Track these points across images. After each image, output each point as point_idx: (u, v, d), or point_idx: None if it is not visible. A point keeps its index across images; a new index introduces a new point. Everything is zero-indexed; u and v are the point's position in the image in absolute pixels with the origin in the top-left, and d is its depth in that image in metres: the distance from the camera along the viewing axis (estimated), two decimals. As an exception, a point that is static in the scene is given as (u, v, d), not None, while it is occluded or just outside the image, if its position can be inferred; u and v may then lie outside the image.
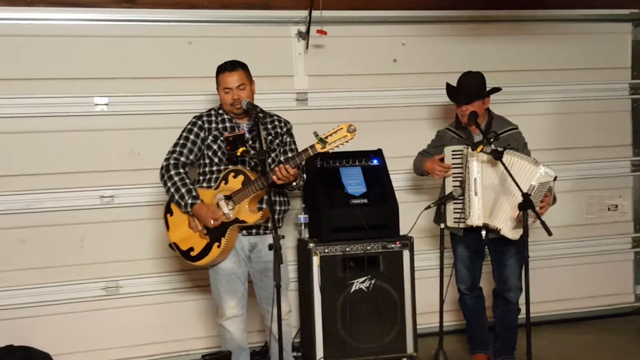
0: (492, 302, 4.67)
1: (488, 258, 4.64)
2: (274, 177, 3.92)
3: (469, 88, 4.48)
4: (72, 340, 4.74)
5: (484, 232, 4.40)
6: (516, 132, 4.55)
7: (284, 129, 4.28)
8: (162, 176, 4.12)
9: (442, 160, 4.48)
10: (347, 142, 3.89)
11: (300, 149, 4.08)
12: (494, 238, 4.42)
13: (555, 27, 5.60)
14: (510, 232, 4.28)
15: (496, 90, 4.57)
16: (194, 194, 4.05)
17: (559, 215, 4.85)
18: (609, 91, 5.71)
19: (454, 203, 4.42)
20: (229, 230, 4.03)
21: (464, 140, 4.47)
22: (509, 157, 4.25)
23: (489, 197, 4.33)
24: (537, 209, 4.22)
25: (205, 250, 4.07)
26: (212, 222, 4.01)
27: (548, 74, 5.57)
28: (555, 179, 4.28)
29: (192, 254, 4.11)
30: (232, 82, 4.08)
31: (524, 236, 4.04)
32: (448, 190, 4.44)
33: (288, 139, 4.28)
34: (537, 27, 5.56)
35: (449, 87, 4.60)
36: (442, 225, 4.47)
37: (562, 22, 5.60)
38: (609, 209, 5.76)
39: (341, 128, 3.88)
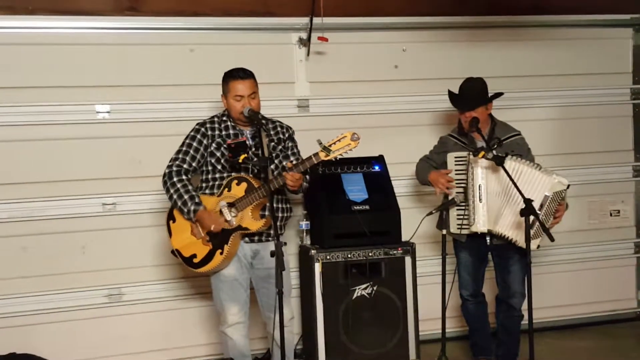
0: (494, 308, 4.67)
1: (490, 264, 4.63)
2: (289, 184, 3.93)
3: (471, 94, 4.47)
4: (75, 348, 4.73)
5: (488, 238, 4.40)
6: (519, 137, 4.54)
7: (286, 134, 4.29)
8: (165, 183, 4.13)
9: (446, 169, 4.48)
10: (350, 150, 3.90)
11: (302, 155, 4.08)
12: (497, 244, 4.42)
13: (556, 32, 5.59)
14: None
15: (498, 95, 4.57)
16: (196, 200, 4.05)
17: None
18: (610, 96, 5.70)
19: (457, 209, 4.41)
20: (231, 237, 4.03)
21: (466, 146, 4.47)
22: (517, 165, 4.24)
23: (494, 204, 4.32)
24: (551, 219, 4.22)
25: (208, 257, 4.07)
26: (212, 226, 4.02)
27: (549, 79, 5.57)
28: (568, 187, 4.27)
29: (195, 260, 4.11)
30: (243, 90, 4.08)
31: (527, 242, 4.01)
32: (450, 196, 4.44)
33: (290, 144, 4.29)
34: (538, 32, 5.56)
35: (451, 93, 4.60)
36: (445, 231, 4.47)
37: (563, 27, 5.60)
38: (611, 215, 5.75)
39: (345, 136, 3.89)
